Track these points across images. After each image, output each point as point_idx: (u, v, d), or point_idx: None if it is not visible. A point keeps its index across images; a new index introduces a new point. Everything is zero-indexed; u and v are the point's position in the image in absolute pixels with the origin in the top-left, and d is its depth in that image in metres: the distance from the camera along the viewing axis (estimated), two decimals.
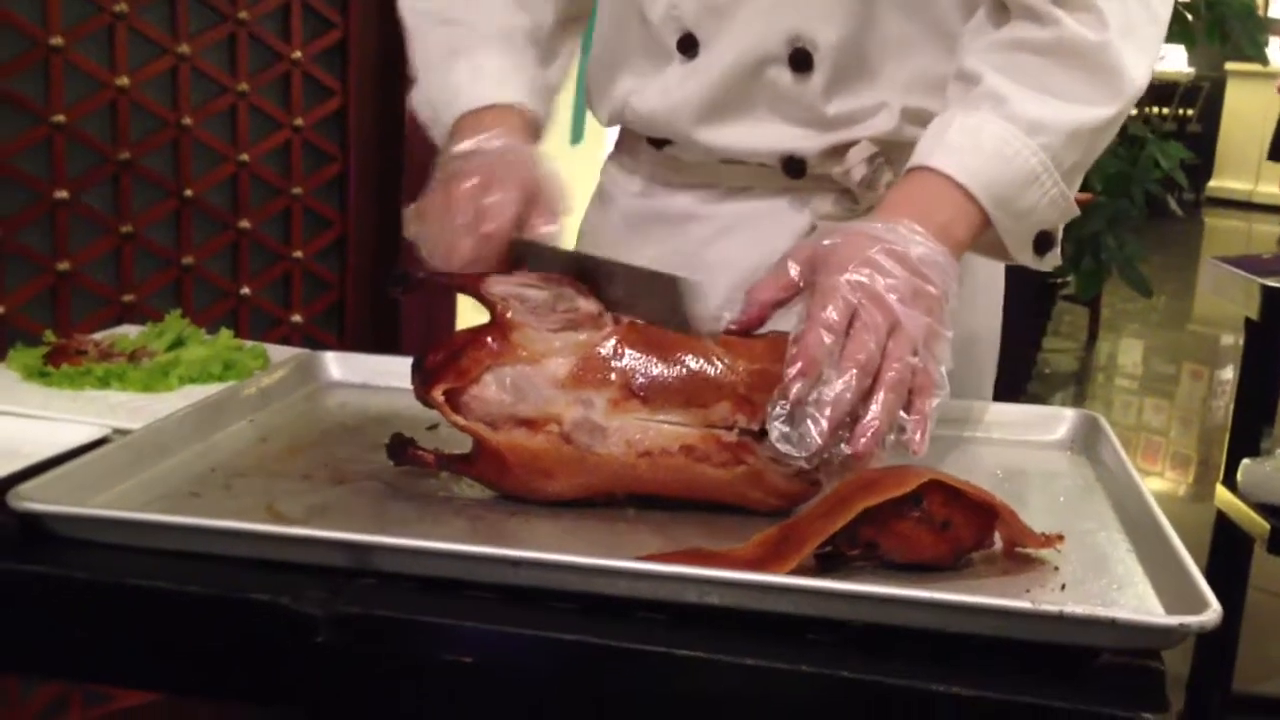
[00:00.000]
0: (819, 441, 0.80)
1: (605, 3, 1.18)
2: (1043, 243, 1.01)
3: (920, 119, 1.04)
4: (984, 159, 0.94)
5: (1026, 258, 1.02)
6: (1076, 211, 1.00)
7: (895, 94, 1.09)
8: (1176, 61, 9.46)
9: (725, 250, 1.15)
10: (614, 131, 1.26)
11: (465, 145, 1.04)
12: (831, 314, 0.83)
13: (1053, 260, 1.03)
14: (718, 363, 0.86)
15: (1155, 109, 9.04)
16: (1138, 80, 0.98)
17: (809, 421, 0.81)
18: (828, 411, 0.81)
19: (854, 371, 0.81)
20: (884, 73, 1.08)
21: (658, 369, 0.86)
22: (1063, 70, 0.96)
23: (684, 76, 1.11)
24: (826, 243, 0.88)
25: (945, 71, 1.04)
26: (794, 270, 0.89)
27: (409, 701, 0.73)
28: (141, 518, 0.79)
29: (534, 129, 1.10)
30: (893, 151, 1.09)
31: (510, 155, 1.01)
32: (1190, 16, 4.14)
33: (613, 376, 0.86)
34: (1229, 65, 10.22)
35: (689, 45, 1.10)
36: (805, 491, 0.85)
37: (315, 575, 0.74)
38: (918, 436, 0.83)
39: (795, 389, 0.81)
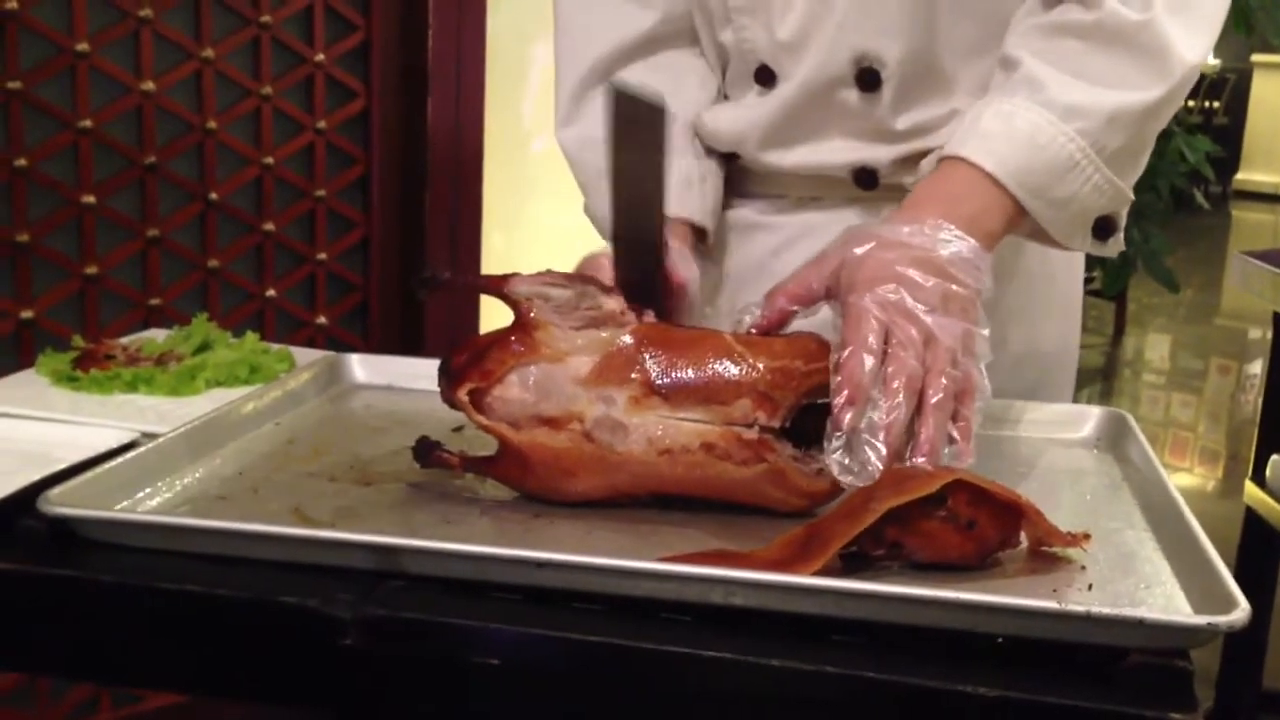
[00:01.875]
0: (880, 468, 0.80)
1: None
2: (1103, 227, 0.99)
3: None
4: (1015, 146, 0.93)
5: (1083, 244, 1.00)
6: (1131, 197, 0.98)
7: (966, 99, 1.07)
8: None
9: (794, 260, 1.13)
10: None
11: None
12: (867, 337, 0.83)
13: (1116, 246, 1.01)
14: (739, 360, 0.86)
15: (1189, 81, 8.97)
16: (1188, 58, 0.95)
17: (867, 449, 0.81)
18: (882, 436, 0.81)
19: (900, 392, 0.81)
20: (953, 79, 1.07)
21: (678, 366, 0.86)
22: (1104, 53, 0.95)
23: (755, 103, 1.12)
24: (852, 254, 0.88)
25: None
26: (817, 281, 0.89)
27: (436, 703, 0.74)
28: (170, 521, 0.80)
29: (692, 228, 1.11)
30: None
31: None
32: None
33: (634, 374, 0.86)
34: (1255, 57, 10.15)
35: (767, 76, 1.11)
36: (827, 491, 0.85)
37: (343, 578, 0.75)
38: (966, 446, 0.83)
39: (847, 419, 0.81)
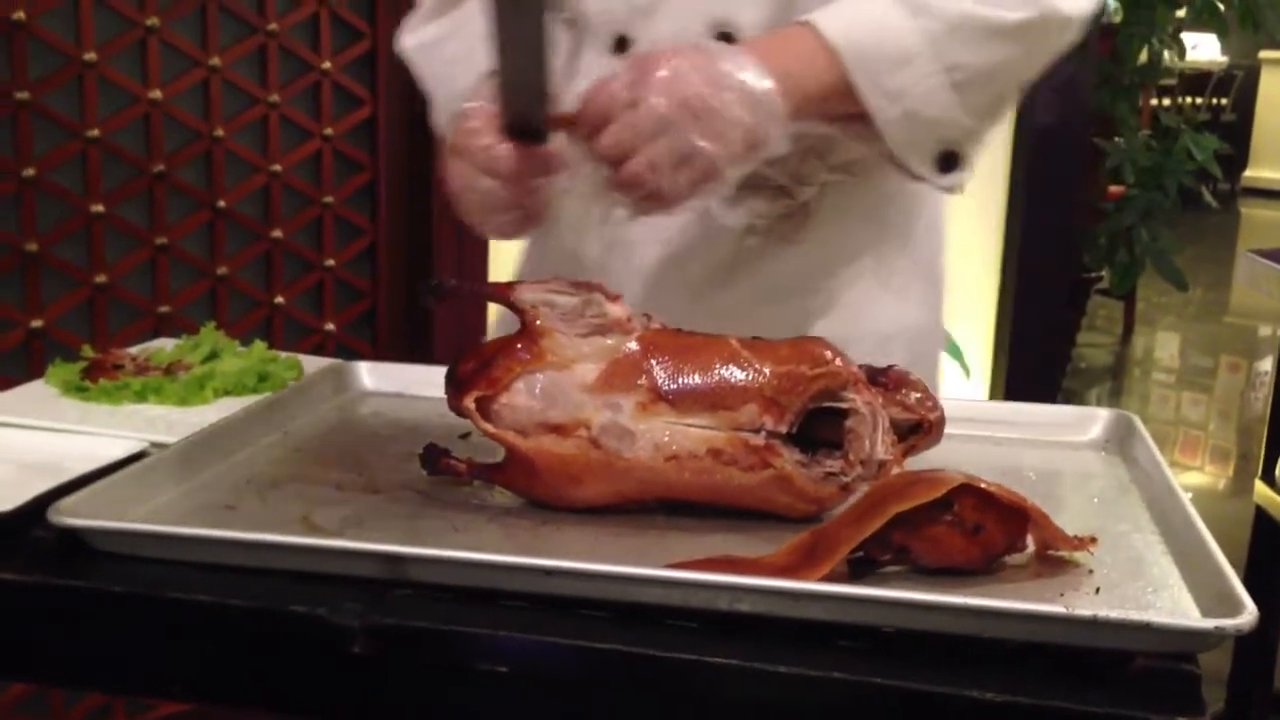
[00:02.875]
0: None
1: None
2: (947, 161, 1.00)
3: None
4: (859, 24, 0.96)
5: (921, 165, 1.00)
6: (963, 119, 0.99)
7: None
8: (1210, 50, 9.38)
9: (642, 228, 1.13)
10: None
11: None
12: (593, 100, 0.89)
13: (956, 181, 1.02)
14: (745, 365, 0.86)
15: (1188, 99, 8.96)
16: (1059, 2, 0.97)
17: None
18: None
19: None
20: None
21: (685, 372, 0.86)
22: None
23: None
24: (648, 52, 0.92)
25: None
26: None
27: (445, 711, 0.74)
28: (179, 531, 0.80)
29: None
30: (821, 143, 1.08)
31: None
32: (1223, 5, 4.11)
33: (640, 380, 0.86)
34: (1263, 54, 10.12)
35: (622, 45, 1.12)
36: (834, 496, 0.85)
37: (352, 586, 0.75)
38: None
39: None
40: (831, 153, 1.04)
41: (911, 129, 0.98)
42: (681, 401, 0.86)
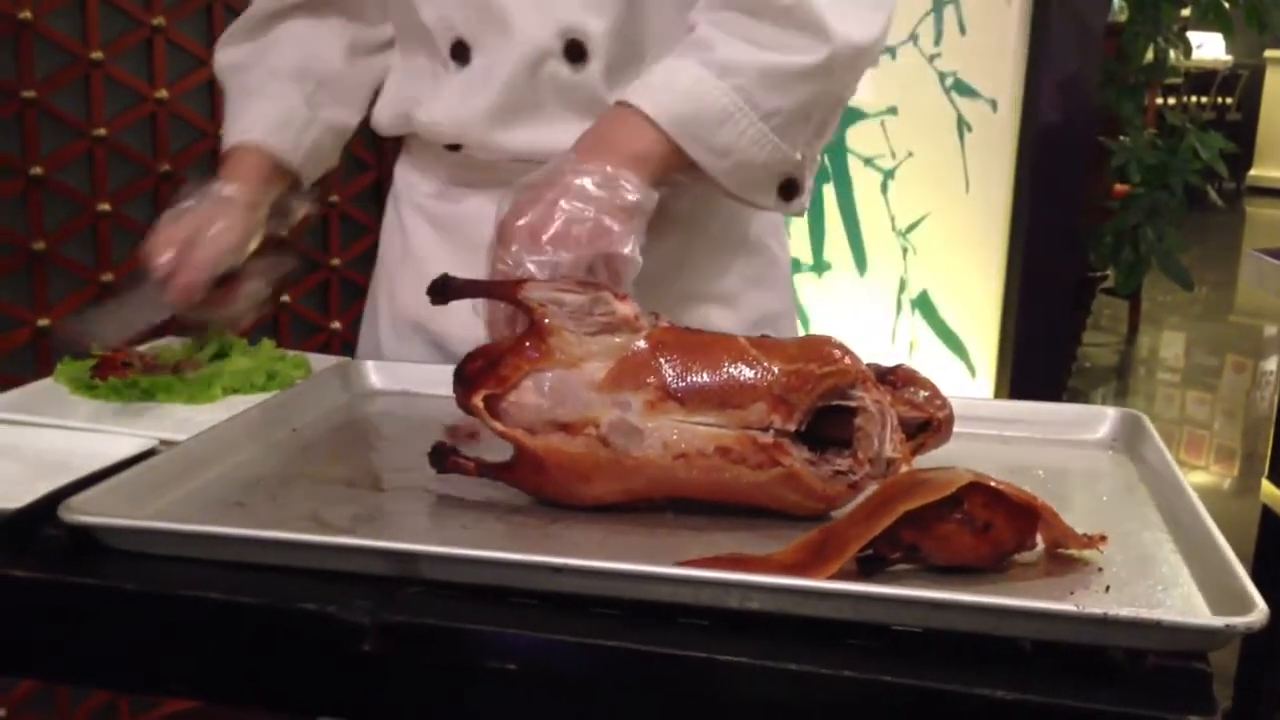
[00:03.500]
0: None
1: (396, 28, 1.22)
2: (788, 189, 1.08)
3: None
4: (676, 96, 1.01)
5: (768, 200, 1.08)
6: (792, 155, 1.06)
7: None
8: (1215, 49, 9.37)
9: None
10: None
11: (187, 203, 1.18)
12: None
13: (798, 206, 1.09)
14: (753, 363, 0.86)
15: (1194, 98, 8.95)
16: (846, 33, 1.03)
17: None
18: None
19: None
20: (656, 57, 1.09)
21: (693, 370, 0.86)
22: (767, 25, 1.03)
23: (466, 85, 1.14)
24: (503, 209, 0.98)
25: None
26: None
27: (455, 709, 0.74)
28: (189, 529, 0.80)
29: (279, 166, 1.21)
30: None
31: (222, 203, 1.16)
32: (1228, 4, 4.10)
33: (649, 378, 0.86)
34: (1268, 52, 10.11)
35: (461, 52, 1.13)
36: (842, 494, 0.85)
37: (361, 584, 0.75)
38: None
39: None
40: None
41: (746, 174, 1.05)
42: (690, 399, 0.86)
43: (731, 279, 1.24)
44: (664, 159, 1.02)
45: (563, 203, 0.96)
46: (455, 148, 1.18)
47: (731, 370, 0.86)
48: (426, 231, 1.25)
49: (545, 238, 0.95)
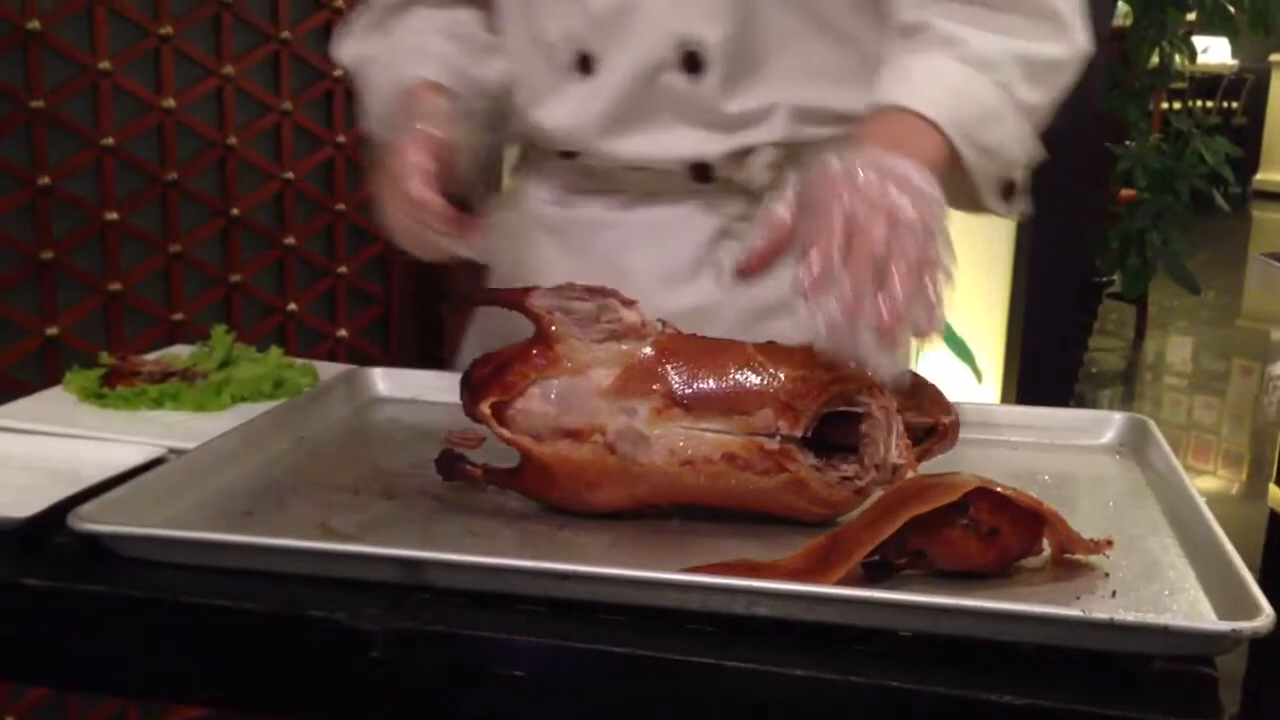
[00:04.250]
0: (843, 321, 0.81)
1: (510, 36, 1.20)
2: (1008, 190, 1.04)
3: (813, 117, 1.10)
4: (949, 94, 0.98)
5: (996, 204, 1.05)
6: (1040, 153, 1.03)
7: (785, 90, 1.10)
8: (1220, 54, 9.35)
9: (637, 257, 1.17)
10: None
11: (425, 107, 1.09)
12: (831, 223, 0.84)
13: (1019, 206, 1.06)
14: (760, 370, 0.86)
15: (1199, 102, 8.94)
16: (1078, 32, 1.02)
17: (833, 303, 0.82)
18: (848, 301, 0.81)
19: (863, 264, 0.82)
20: (772, 67, 1.10)
21: (700, 377, 0.86)
22: (1002, 15, 1.00)
23: (585, 94, 1.13)
24: (809, 177, 0.89)
25: (832, 63, 1.09)
26: (784, 212, 0.89)
27: (463, 715, 0.74)
28: (198, 537, 0.81)
29: (456, 107, 1.13)
30: (796, 153, 1.11)
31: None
32: (1233, 8, 4.09)
33: (655, 385, 0.86)
34: (1273, 56, 10.09)
35: (585, 63, 1.12)
36: (849, 500, 0.86)
37: (370, 591, 0.75)
38: (925, 317, 0.83)
39: (815, 295, 0.82)
40: (807, 161, 1.07)
41: (999, 175, 1.02)
42: (697, 406, 0.86)
43: None
44: (943, 162, 0.96)
45: (895, 188, 0.87)
46: (570, 155, 1.18)
47: (738, 377, 0.86)
48: (543, 238, 1.24)
49: (887, 191, 0.86)
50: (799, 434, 0.85)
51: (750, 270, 0.89)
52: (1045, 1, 1.01)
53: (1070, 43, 1.03)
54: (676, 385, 0.86)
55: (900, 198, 0.85)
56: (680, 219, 1.15)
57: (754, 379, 0.86)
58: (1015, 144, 1.01)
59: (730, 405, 0.86)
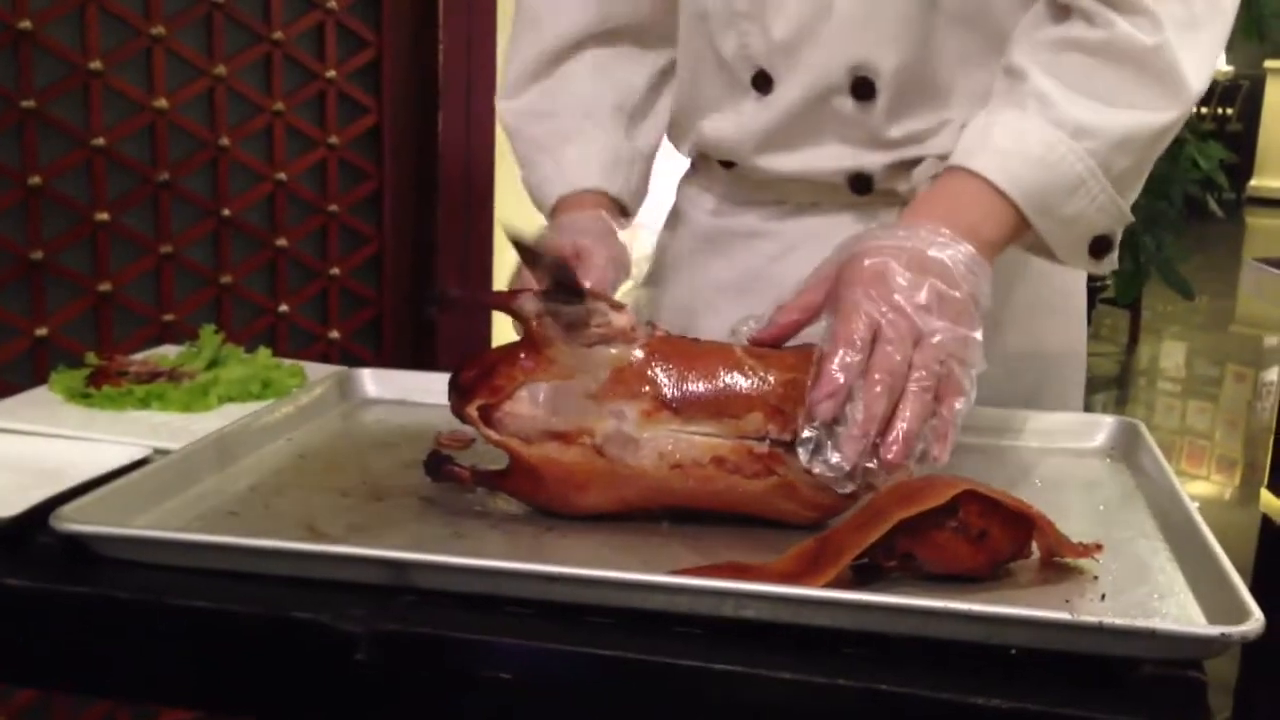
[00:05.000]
0: (850, 461, 0.80)
1: (683, 48, 1.19)
2: (1099, 246, 0.99)
3: None
4: (1027, 163, 0.93)
5: (1080, 262, 1.00)
6: (1130, 218, 0.98)
7: (960, 109, 1.08)
8: None
9: (793, 267, 1.14)
10: None
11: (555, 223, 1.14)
12: (853, 330, 0.83)
13: (1110, 264, 1.02)
14: (749, 374, 0.86)
15: (1193, 108, 8.95)
16: (1195, 85, 0.95)
17: (843, 445, 0.81)
18: (856, 431, 0.80)
19: (879, 386, 0.81)
20: (948, 90, 1.08)
21: (689, 380, 0.86)
22: (1114, 73, 0.94)
23: (754, 110, 1.13)
24: (848, 259, 0.88)
25: None
26: (816, 292, 0.89)
27: (449, 718, 0.74)
28: (182, 538, 0.80)
29: (616, 205, 1.17)
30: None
31: (588, 226, 1.10)
32: None
33: (645, 388, 0.86)
34: (1268, 63, 10.13)
35: (763, 82, 1.12)
36: (839, 503, 0.85)
37: (355, 593, 0.75)
38: (938, 445, 0.82)
39: (821, 410, 0.81)
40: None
41: (1082, 239, 0.98)
42: (686, 409, 0.85)
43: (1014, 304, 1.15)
44: (1010, 231, 0.93)
45: (930, 276, 0.85)
46: (729, 165, 1.18)
47: (727, 380, 0.86)
48: (700, 245, 1.24)
49: (918, 302, 0.83)
50: (788, 438, 0.85)
51: (760, 344, 0.89)
52: (1167, 58, 0.93)
53: (1182, 103, 0.95)
54: (665, 388, 0.86)
55: (929, 318, 0.83)
56: (836, 228, 1.10)
57: (743, 382, 0.86)
58: (1098, 211, 0.95)
59: (720, 409, 0.85)
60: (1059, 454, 1.04)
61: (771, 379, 0.86)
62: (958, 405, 0.83)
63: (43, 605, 0.78)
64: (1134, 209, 1.01)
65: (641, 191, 1.22)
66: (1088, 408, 1.27)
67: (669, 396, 0.85)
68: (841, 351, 0.82)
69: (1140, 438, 1.02)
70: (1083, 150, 0.93)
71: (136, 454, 0.95)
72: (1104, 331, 5.95)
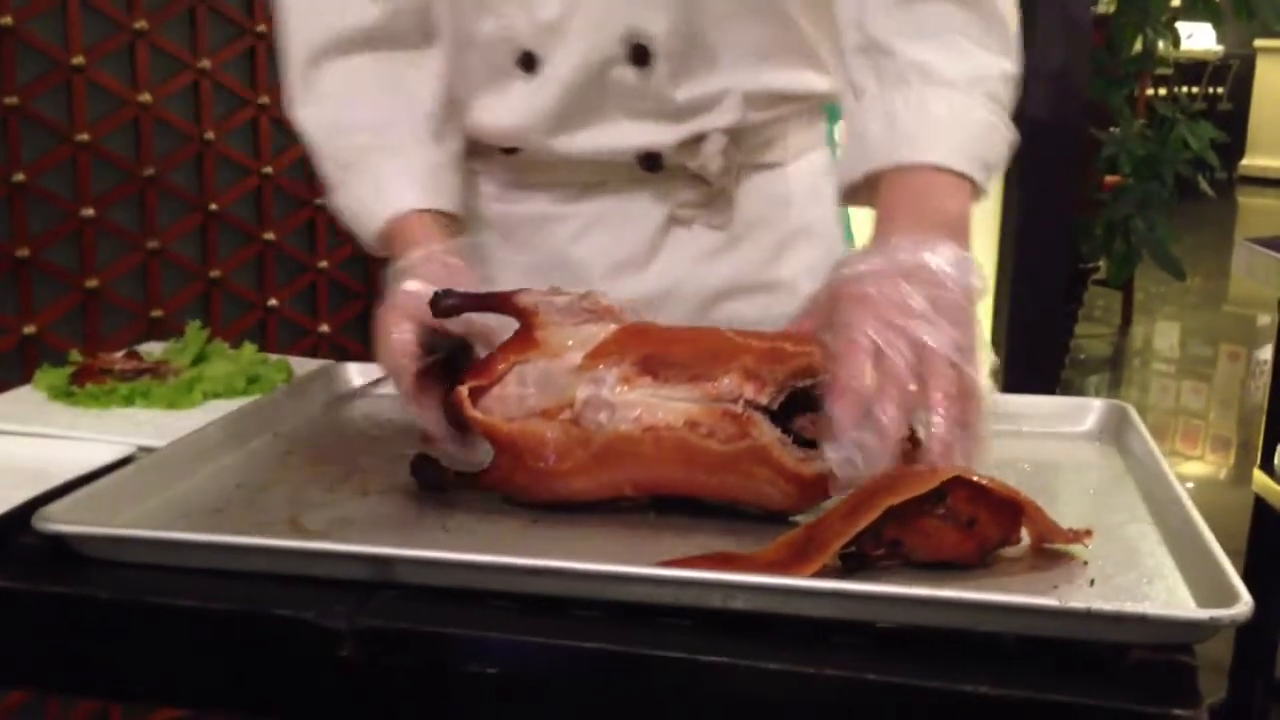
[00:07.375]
0: (886, 459, 0.79)
1: (443, 36, 1.16)
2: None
3: (762, 101, 1.12)
4: (959, 133, 0.94)
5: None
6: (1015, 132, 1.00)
7: (736, 75, 1.10)
8: (1205, 40, 9.36)
9: (590, 247, 1.16)
10: None
11: (415, 254, 1.09)
12: (860, 358, 0.82)
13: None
14: (727, 340, 0.86)
15: (1184, 88, 8.95)
16: (1013, 27, 1.00)
17: (869, 454, 0.79)
18: (890, 436, 0.79)
19: (896, 396, 0.80)
20: (721, 51, 1.09)
21: (669, 347, 0.86)
22: (962, 12, 0.97)
23: (528, 92, 1.11)
24: (839, 284, 0.87)
25: (776, 45, 1.10)
26: (812, 319, 0.89)
27: (434, 713, 0.73)
28: (165, 536, 0.80)
29: (443, 217, 1.11)
30: (742, 137, 1.13)
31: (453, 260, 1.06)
32: None
33: (626, 356, 0.86)
34: (1258, 42, 10.11)
35: (529, 63, 1.10)
36: (817, 481, 0.83)
37: (339, 589, 0.74)
38: (975, 449, 0.82)
39: (844, 420, 0.80)
40: (752, 144, 1.11)
41: (998, 175, 1.00)
42: (663, 373, 0.85)
43: (788, 268, 1.20)
44: (969, 205, 0.94)
45: (916, 286, 0.84)
46: (512, 151, 1.17)
47: (706, 346, 0.86)
48: (487, 234, 1.22)
49: (915, 311, 0.83)
50: (764, 401, 0.83)
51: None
52: (998, 11, 0.99)
53: (1012, 53, 1.00)
54: (645, 354, 0.86)
55: (927, 325, 0.83)
56: (629, 208, 1.15)
57: (723, 349, 0.86)
58: (1005, 145, 0.98)
59: (697, 373, 0.85)
60: (1048, 438, 1.04)
61: (751, 344, 0.85)
62: (980, 407, 0.83)
63: (27, 606, 0.78)
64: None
65: (462, 194, 1.16)
66: (1081, 390, 1.26)
67: (647, 361, 0.85)
68: (850, 364, 0.81)
69: (1130, 421, 1.01)
70: (981, 95, 0.96)
71: (120, 452, 0.95)
72: (1097, 313, 5.95)
